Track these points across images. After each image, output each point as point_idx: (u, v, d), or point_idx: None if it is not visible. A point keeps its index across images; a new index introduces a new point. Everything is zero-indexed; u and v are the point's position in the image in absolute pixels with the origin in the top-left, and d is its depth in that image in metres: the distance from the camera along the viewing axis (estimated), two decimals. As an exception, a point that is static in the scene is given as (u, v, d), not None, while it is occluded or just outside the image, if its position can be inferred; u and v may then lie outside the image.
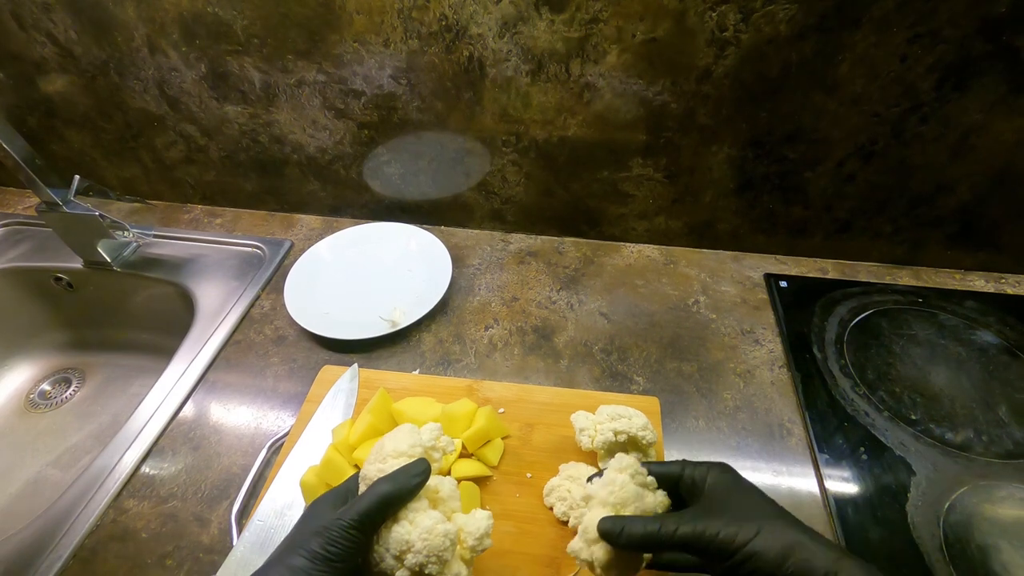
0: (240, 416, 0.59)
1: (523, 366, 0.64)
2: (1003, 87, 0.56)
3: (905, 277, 0.73)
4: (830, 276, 0.74)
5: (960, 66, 0.55)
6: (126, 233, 0.73)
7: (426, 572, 0.33)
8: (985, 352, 0.63)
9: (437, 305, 0.68)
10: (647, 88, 0.62)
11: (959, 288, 0.71)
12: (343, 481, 0.39)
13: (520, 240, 0.81)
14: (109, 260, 0.76)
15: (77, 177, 0.68)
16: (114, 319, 0.83)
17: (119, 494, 0.53)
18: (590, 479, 0.43)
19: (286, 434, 0.55)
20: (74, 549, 0.49)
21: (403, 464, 0.37)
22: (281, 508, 0.49)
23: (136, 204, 0.87)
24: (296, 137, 0.75)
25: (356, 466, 0.50)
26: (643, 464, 0.41)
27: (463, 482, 0.47)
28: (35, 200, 0.69)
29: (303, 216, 0.86)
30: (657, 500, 0.39)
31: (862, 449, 0.54)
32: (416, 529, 0.34)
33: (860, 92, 0.58)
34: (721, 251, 0.78)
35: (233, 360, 0.65)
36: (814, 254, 0.76)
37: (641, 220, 0.76)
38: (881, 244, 0.73)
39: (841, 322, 0.66)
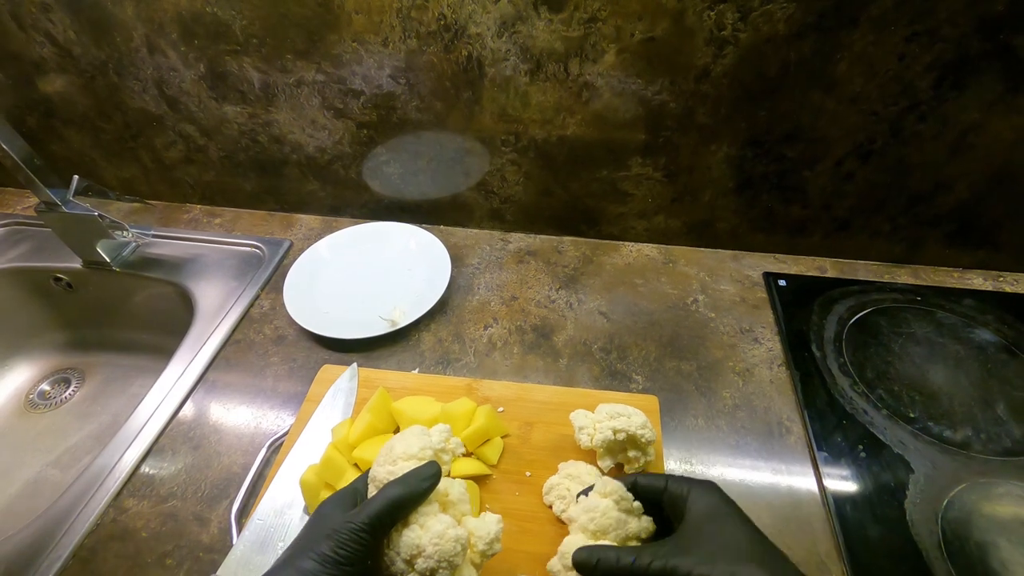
0: (240, 415, 0.59)
1: (522, 365, 0.64)
2: (1001, 86, 0.56)
3: (904, 275, 0.73)
4: (829, 275, 0.74)
5: (958, 65, 0.55)
6: (125, 233, 0.73)
7: None
8: (983, 350, 0.63)
9: (436, 304, 0.68)
10: (646, 87, 0.62)
11: (957, 286, 0.71)
12: (351, 481, 0.39)
13: (519, 239, 0.81)
14: (108, 260, 0.76)
15: (76, 177, 0.68)
16: (113, 319, 0.83)
17: (119, 493, 0.53)
18: (582, 493, 0.43)
19: (286, 433, 0.55)
20: (74, 548, 0.49)
21: (413, 467, 0.37)
22: (281, 507, 0.49)
23: (135, 204, 0.87)
24: (295, 137, 0.75)
25: (356, 465, 0.50)
26: (628, 477, 0.40)
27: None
28: (34, 200, 0.69)
29: (302, 216, 0.86)
30: (641, 526, 0.39)
31: (861, 447, 0.54)
32: (427, 534, 0.34)
33: (858, 91, 0.58)
34: (720, 250, 0.78)
35: (233, 360, 0.65)
36: (813, 253, 0.76)
37: (640, 219, 0.76)
38: (880, 243, 0.73)
39: (840, 320, 0.67)
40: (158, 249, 0.80)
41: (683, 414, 0.58)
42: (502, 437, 0.54)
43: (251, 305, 0.71)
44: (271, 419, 0.59)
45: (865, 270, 0.74)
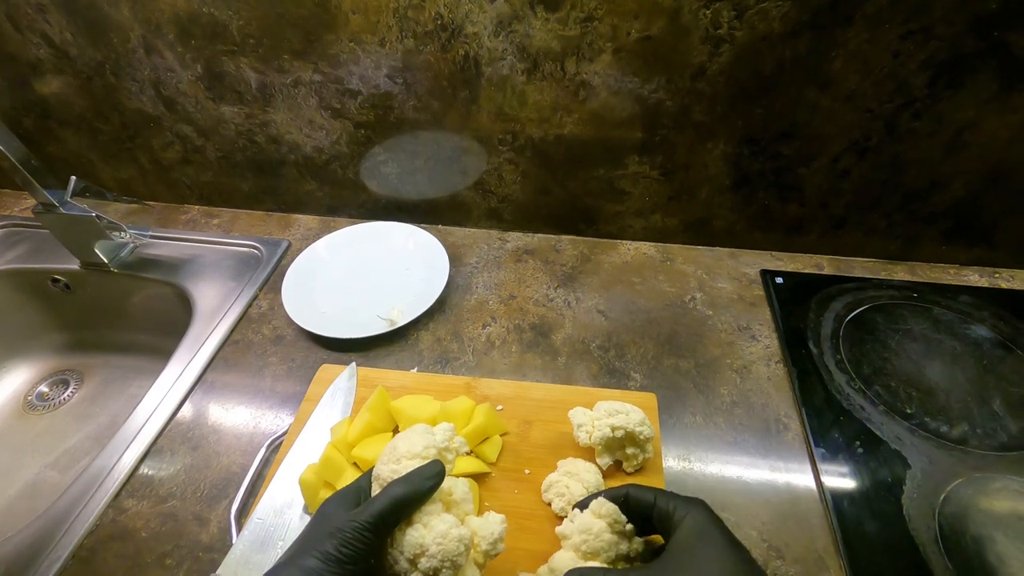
0: (239, 415, 0.59)
1: (521, 363, 0.64)
2: (995, 84, 0.56)
3: (900, 272, 0.73)
4: (826, 272, 0.74)
5: (953, 63, 0.55)
6: (123, 234, 0.73)
7: None
8: (979, 346, 0.63)
9: (435, 304, 0.68)
10: (642, 86, 0.62)
11: (954, 283, 0.71)
12: (355, 479, 0.39)
13: (517, 238, 0.81)
14: (106, 261, 0.76)
15: (74, 178, 0.68)
16: (112, 320, 0.83)
17: (118, 494, 0.53)
18: (579, 505, 0.43)
19: (285, 433, 0.55)
20: (73, 549, 0.49)
21: (417, 465, 0.37)
22: (280, 506, 0.49)
23: (133, 205, 0.87)
24: (293, 137, 0.75)
25: (355, 464, 0.50)
26: (621, 489, 0.40)
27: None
28: (32, 202, 0.69)
29: (300, 216, 0.86)
30: (631, 547, 0.40)
31: (858, 443, 0.54)
32: (430, 533, 0.34)
33: (854, 88, 0.59)
34: (717, 248, 0.78)
35: (231, 360, 0.65)
36: (809, 250, 0.76)
37: (638, 217, 0.77)
38: (876, 240, 0.73)
39: (837, 317, 0.67)
40: (156, 250, 0.80)
41: (681, 411, 0.59)
42: (501, 435, 0.54)
43: (249, 305, 0.71)
44: (270, 419, 0.59)
45: (862, 267, 0.74)
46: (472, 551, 0.37)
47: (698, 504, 0.36)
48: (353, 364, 0.61)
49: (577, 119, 0.66)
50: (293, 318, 0.66)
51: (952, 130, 0.60)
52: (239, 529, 0.48)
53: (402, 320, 0.66)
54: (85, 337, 0.86)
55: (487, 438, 0.53)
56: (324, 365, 0.61)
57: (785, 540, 0.48)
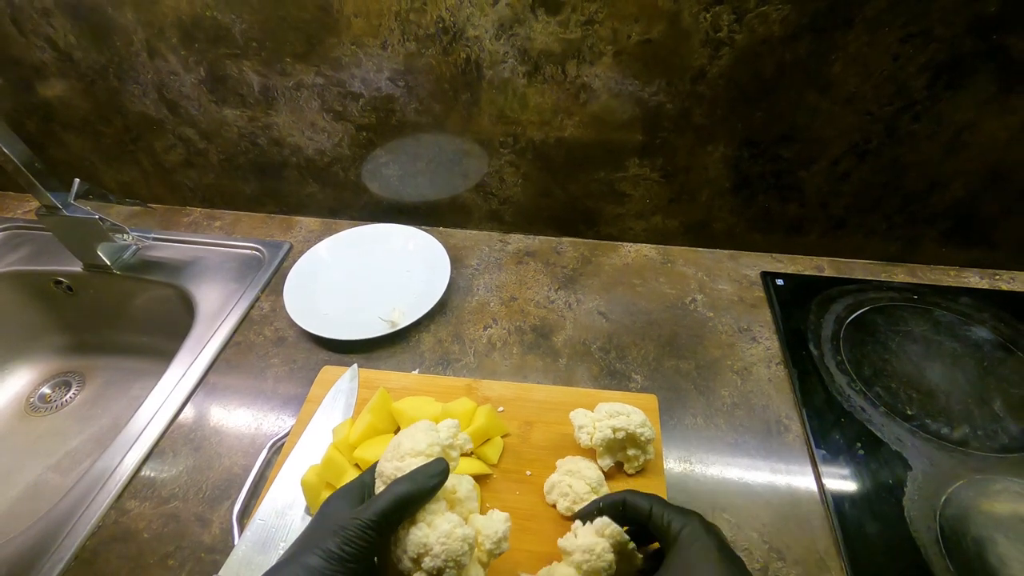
0: (241, 417, 0.59)
1: (522, 365, 0.64)
2: (994, 86, 0.56)
3: (900, 274, 0.74)
4: (826, 274, 0.74)
5: (952, 65, 0.55)
6: (126, 236, 0.73)
7: None
8: (980, 348, 0.63)
9: (436, 305, 0.68)
10: (643, 89, 0.62)
11: (954, 285, 0.72)
12: (359, 475, 0.39)
13: (518, 240, 0.81)
14: (109, 263, 0.76)
15: (77, 180, 0.68)
16: (114, 322, 0.84)
17: (120, 495, 0.53)
18: (580, 516, 0.43)
19: (287, 434, 0.55)
20: (76, 550, 0.49)
21: (421, 463, 0.36)
22: (282, 507, 0.49)
23: (136, 207, 0.88)
24: (295, 140, 0.76)
25: (357, 465, 0.50)
26: (620, 495, 0.40)
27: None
28: (35, 204, 0.69)
29: (302, 218, 0.86)
30: (632, 566, 0.40)
31: (859, 444, 0.54)
32: (434, 532, 0.34)
33: (853, 91, 0.59)
34: (718, 250, 0.78)
35: (233, 361, 0.65)
36: (810, 252, 0.76)
37: (638, 220, 0.77)
38: (876, 241, 0.73)
39: (837, 319, 0.67)
40: (158, 252, 0.80)
41: (682, 413, 0.59)
42: (502, 437, 0.54)
43: (251, 307, 0.72)
44: (272, 420, 0.59)
45: (862, 269, 0.75)
46: (476, 550, 0.37)
47: (694, 518, 0.36)
48: (355, 366, 0.61)
49: (578, 122, 0.67)
50: (295, 320, 0.67)
51: (951, 131, 0.60)
52: (241, 530, 0.48)
53: (403, 322, 0.66)
54: (87, 339, 0.86)
55: (488, 439, 0.53)
56: (326, 367, 0.61)
57: (786, 542, 0.48)
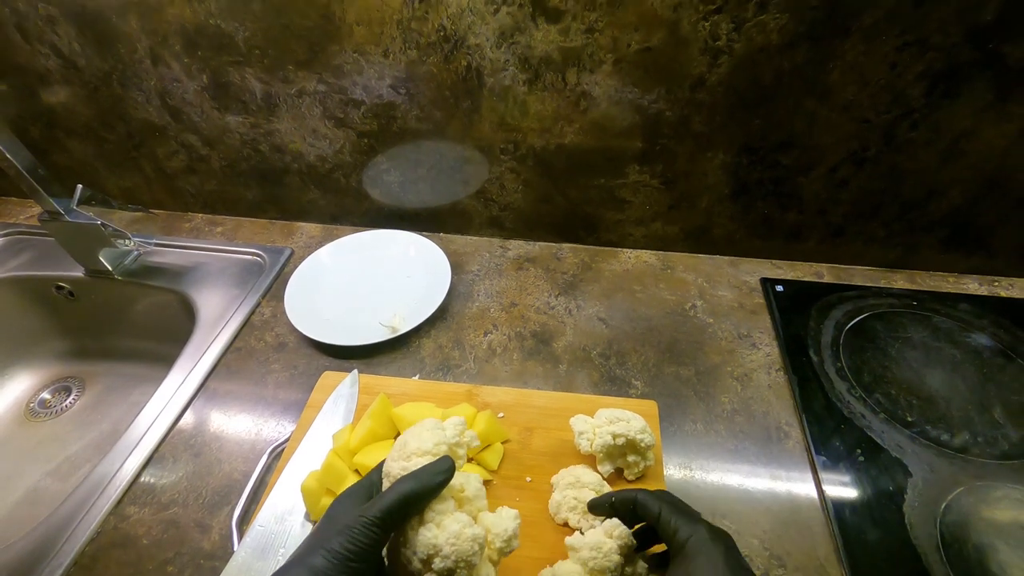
0: (241, 423, 0.59)
1: (522, 371, 0.64)
2: (991, 94, 0.57)
3: (899, 281, 0.74)
4: (825, 280, 0.74)
5: (949, 73, 0.56)
6: (128, 242, 0.73)
7: None
8: (979, 354, 0.63)
9: (436, 311, 0.68)
10: (642, 96, 0.63)
11: (953, 291, 0.72)
12: (367, 474, 0.39)
13: (518, 246, 0.82)
14: (110, 268, 0.76)
15: (80, 186, 0.69)
16: (115, 327, 0.84)
17: (120, 501, 0.53)
18: (592, 506, 0.43)
19: (287, 440, 0.55)
20: (75, 556, 0.49)
21: (428, 462, 0.36)
22: (282, 513, 0.49)
23: (138, 213, 0.88)
24: (296, 146, 0.76)
25: (356, 471, 0.50)
26: (630, 493, 0.40)
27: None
28: (37, 209, 0.69)
29: (303, 224, 0.87)
30: (636, 572, 0.40)
31: (859, 451, 0.54)
32: (443, 533, 0.33)
33: (851, 99, 0.59)
34: (717, 256, 0.79)
35: (234, 367, 0.65)
36: (809, 258, 0.77)
37: (638, 226, 0.77)
38: (875, 248, 0.73)
39: (837, 325, 0.67)
40: (160, 257, 0.80)
41: (682, 419, 0.59)
42: (502, 443, 0.54)
43: (252, 313, 0.72)
44: (272, 426, 0.59)
45: (861, 275, 0.75)
46: (486, 549, 0.37)
47: (701, 527, 0.35)
48: (355, 371, 0.61)
49: (578, 129, 0.67)
50: (296, 325, 0.67)
51: (949, 139, 0.61)
52: (241, 536, 0.48)
53: (404, 327, 0.66)
54: (88, 344, 0.86)
55: (488, 445, 0.53)
56: (326, 372, 0.62)
57: (787, 548, 0.48)
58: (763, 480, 0.53)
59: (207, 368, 0.65)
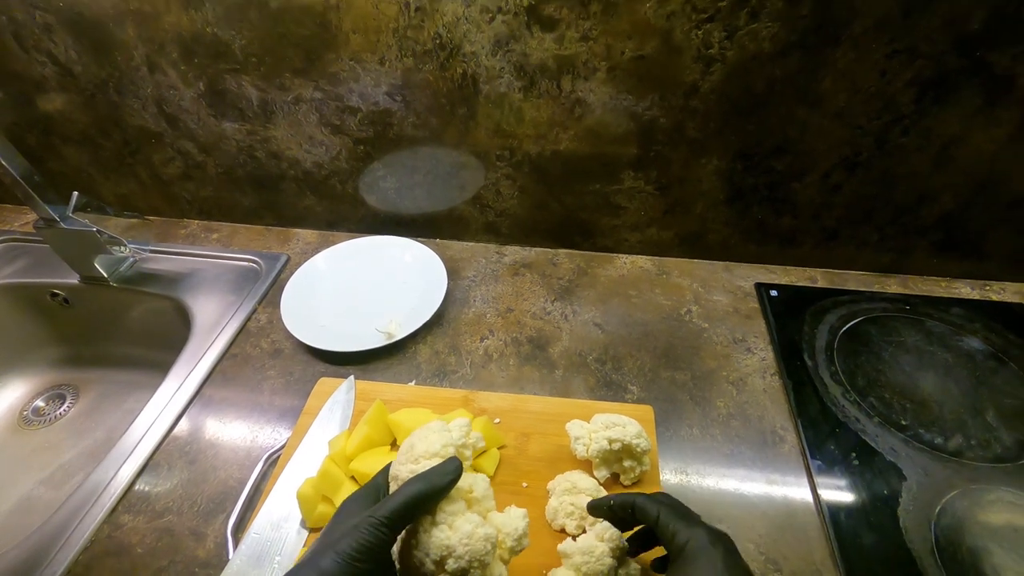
0: (236, 430, 0.59)
1: (518, 376, 0.64)
2: (980, 99, 0.58)
3: (893, 285, 0.74)
4: (819, 285, 0.75)
5: (938, 80, 0.57)
6: (123, 248, 0.73)
7: None
8: (972, 358, 0.64)
9: (433, 317, 0.68)
10: (637, 103, 0.63)
11: (945, 295, 0.72)
12: (372, 477, 0.39)
13: (514, 252, 0.82)
14: (106, 275, 0.76)
15: (76, 193, 0.69)
16: (110, 334, 0.84)
17: (114, 509, 0.52)
18: (591, 508, 0.43)
19: (282, 447, 0.55)
20: (69, 565, 0.48)
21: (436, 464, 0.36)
22: (277, 521, 0.49)
23: (133, 220, 0.88)
24: (293, 153, 0.76)
25: (353, 478, 0.50)
26: (629, 497, 0.40)
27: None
28: (32, 216, 0.69)
29: (299, 230, 0.87)
30: (629, 572, 0.41)
31: (853, 455, 0.55)
32: (456, 534, 0.34)
33: (843, 106, 0.60)
34: (713, 261, 0.79)
35: (229, 374, 0.65)
36: (803, 263, 0.77)
37: (633, 231, 0.78)
38: (868, 253, 0.74)
39: (831, 330, 0.67)
40: (155, 264, 0.80)
41: (678, 424, 0.59)
42: (499, 448, 0.54)
43: (248, 319, 0.72)
44: (268, 433, 0.59)
45: (855, 280, 0.75)
46: (497, 548, 0.37)
47: (699, 531, 0.35)
48: (351, 377, 0.61)
49: (573, 135, 0.68)
50: (292, 332, 0.67)
51: (939, 145, 0.62)
52: (236, 544, 0.48)
53: (400, 333, 0.66)
54: (82, 351, 0.86)
55: (485, 451, 0.53)
56: (322, 378, 0.62)
57: (783, 552, 0.48)
58: (759, 484, 0.54)
59: (202, 375, 0.65)
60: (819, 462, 0.54)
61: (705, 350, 0.67)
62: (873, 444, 0.56)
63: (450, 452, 0.38)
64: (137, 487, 0.54)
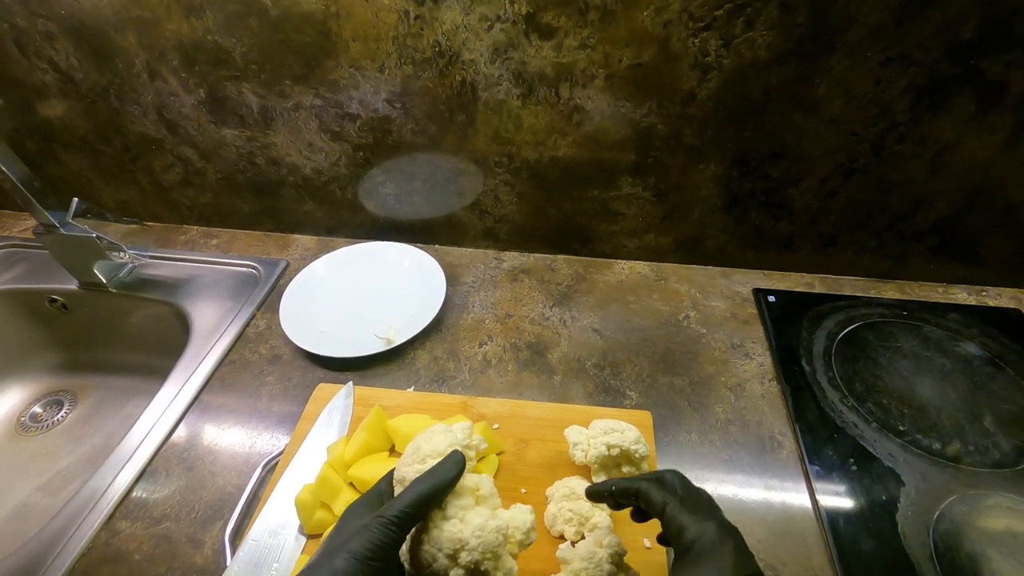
0: (234, 436, 0.59)
1: (517, 382, 0.64)
2: (973, 106, 0.58)
3: (890, 290, 0.75)
4: (817, 290, 0.75)
5: (932, 88, 0.57)
6: (122, 254, 0.73)
7: (481, 569, 0.33)
8: (969, 363, 0.64)
9: (431, 323, 0.69)
10: (634, 110, 0.64)
11: (942, 301, 0.73)
12: (375, 484, 0.39)
13: (513, 258, 0.82)
14: (105, 281, 0.76)
15: (76, 199, 0.69)
16: (108, 340, 0.83)
17: (112, 516, 0.52)
18: (588, 496, 0.43)
19: (281, 453, 0.55)
20: (66, 571, 0.48)
21: None
22: (275, 527, 0.49)
23: (133, 226, 0.88)
24: (292, 159, 0.77)
25: (351, 484, 0.50)
26: (635, 482, 0.40)
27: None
28: (32, 222, 0.69)
29: (298, 236, 0.87)
30: None
31: (852, 460, 0.55)
32: (468, 527, 0.34)
33: (838, 113, 0.60)
34: (710, 267, 0.79)
35: (228, 380, 0.65)
36: (801, 269, 0.78)
37: (631, 237, 0.78)
38: (865, 258, 0.74)
39: (829, 335, 0.68)
40: (155, 270, 0.80)
41: (676, 429, 0.59)
42: (497, 454, 0.54)
43: (247, 325, 0.72)
44: (266, 439, 0.59)
45: (852, 285, 0.76)
46: (508, 542, 0.37)
47: (709, 527, 0.33)
48: (350, 383, 0.61)
49: (571, 142, 0.68)
50: (290, 337, 0.67)
51: (934, 151, 0.62)
52: (233, 551, 0.48)
53: (399, 339, 0.66)
54: (80, 357, 0.86)
55: (483, 457, 0.53)
56: (321, 384, 0.62)
57: (781, 558, 0.48)
58: (757, 490, 0.54)
59: (201, 381, 0.64)
60: (817, 468, 0.54)
61: (703, 356, 0.67)
62: (871, 450, 0.56)
63: None
64: (135, 493, 0.54)
